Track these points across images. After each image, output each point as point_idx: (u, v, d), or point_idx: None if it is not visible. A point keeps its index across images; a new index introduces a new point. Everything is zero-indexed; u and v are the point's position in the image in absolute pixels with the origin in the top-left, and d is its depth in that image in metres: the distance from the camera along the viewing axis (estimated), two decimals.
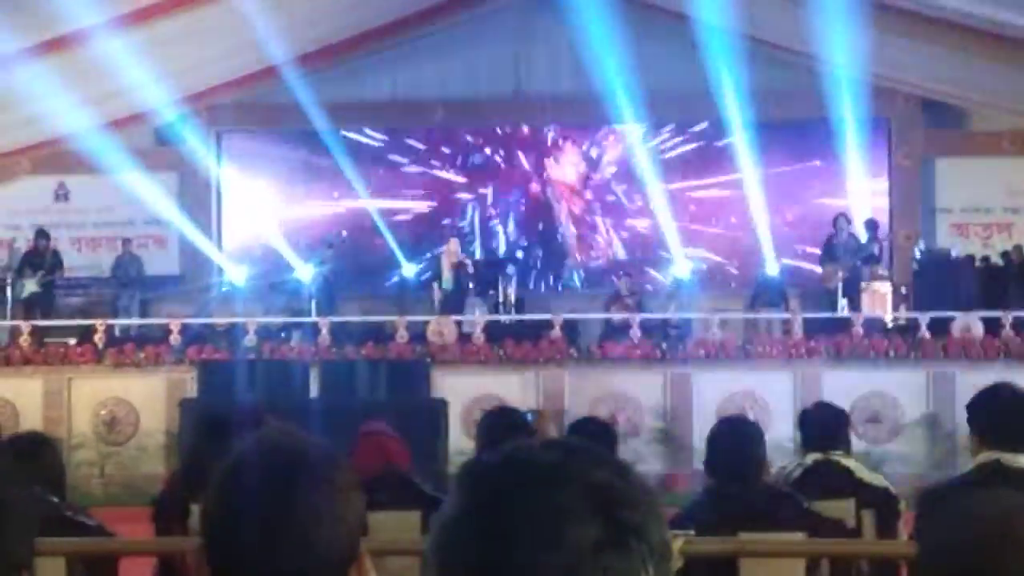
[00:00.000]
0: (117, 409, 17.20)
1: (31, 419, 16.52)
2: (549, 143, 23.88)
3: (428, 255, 22.61)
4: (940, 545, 2.13)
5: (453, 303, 19.46)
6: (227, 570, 1.91)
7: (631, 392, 16.83)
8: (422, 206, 23.72)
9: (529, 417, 6.60)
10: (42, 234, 20.52)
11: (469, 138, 23.82)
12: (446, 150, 23.83)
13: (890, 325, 18.50)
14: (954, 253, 20.22)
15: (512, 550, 1.39)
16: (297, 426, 2.05)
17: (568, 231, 23.65)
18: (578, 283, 23.43)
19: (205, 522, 1.95)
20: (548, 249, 23.58)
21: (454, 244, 19.87)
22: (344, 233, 21.28)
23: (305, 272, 20.28)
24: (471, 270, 19.77)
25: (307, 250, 21.25)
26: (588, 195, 23.73)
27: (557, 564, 1.38)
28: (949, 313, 17.28)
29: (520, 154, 23.80)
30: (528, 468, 1.45)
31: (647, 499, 1.46)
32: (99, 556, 5.47)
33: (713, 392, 16.61)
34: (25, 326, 18.11)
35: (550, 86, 22.47)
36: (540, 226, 23.67)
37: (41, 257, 20.19)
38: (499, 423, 6.04)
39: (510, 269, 21.10)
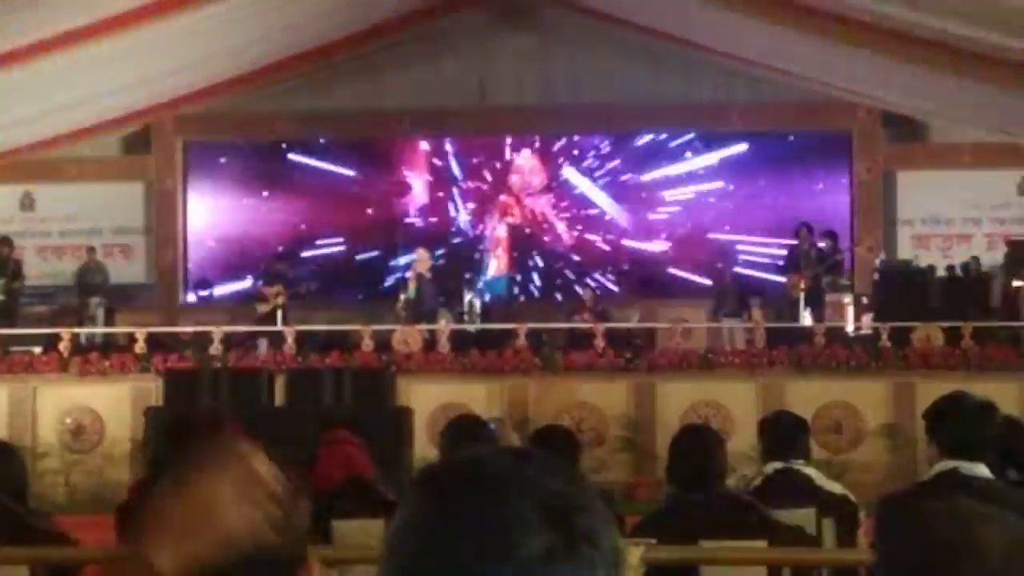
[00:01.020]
0: (82, 417, 17.15)
1: None
2: (513, 153, 23.92)
3: (391, 265, 22.66)
4: (897, 553, 2.14)
5: (416, 312, 19.43)
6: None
7: (595, 401, 16.88)
8: (391, 215, 23.73)
9: (491, 426, 6.64)
10: (4, 241, 20.30)
11: (437, 147, 23.84)
12: (413, 160, 23.86)
13: (852, 335, 18.62)
14: (915, 264, 20.37)
15: (464, 559, 1.39)
16: (262, 435, 2.08)
17: (533, 241, 23.69)
18: (541, 292, 23.45)
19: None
20: (512, 257, 23.62)
21: (423, 254, 19.88)
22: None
23: (267, 286, 20.16)
24: (429, 278, 19.74)
25: (265, 265, 21.15)
26: (550, 205, 23.76)
27: (510, 572, 1.38)
28: (910, 323, 17.40)
29: (486, 164, 23.83)
30: (479, 476, 1.45)
31: (597, 505, 1.46)
32: (62, 564, 5.49)
33: (677, 401, 16.68)
34: None
35: (515, 97, 22.54)
36: (506, 235, 23.70)
37: (2, 265, 20.02)
38: (461, 431, 6.09)
39: (476, 279, 21.16)
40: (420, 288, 19.34)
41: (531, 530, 1.40)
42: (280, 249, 21.85)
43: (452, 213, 23.78)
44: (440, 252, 22.91)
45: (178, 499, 1.96)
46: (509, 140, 23.79)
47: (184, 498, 1.97)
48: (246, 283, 22.43)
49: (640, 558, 4.53)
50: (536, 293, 23.41)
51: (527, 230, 23.71)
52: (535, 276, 23.58)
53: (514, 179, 23.81)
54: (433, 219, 23.72)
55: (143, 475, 12.51)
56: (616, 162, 23.39)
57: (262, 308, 19.75)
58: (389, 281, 22.77)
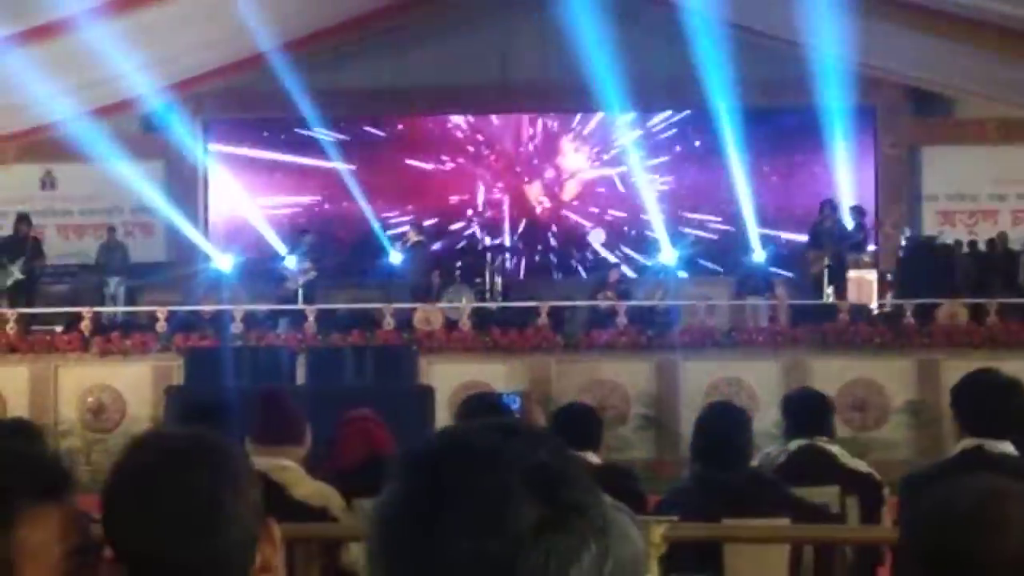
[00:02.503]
0: (104, 397, 17.19)
1: (18, 407, 16.51)
2: (536, 130, 23.87)
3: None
4: (921, 529, 2.13)
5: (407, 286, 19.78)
6: (132, 561, 1.92)
7: (618, 379, 16.85)
8: (415, 193, 23.71)
9: (515, 402, 6.59)
10: (23, 219, 20.29)
11: (457, 125, 23.82)
12: (431, 138, 23.83)
13: (876, 312, 18.54)
14: (940, 241, 20.26)
15: (453, 536, 1.38)
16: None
17: (556, 218, 23.65)
18: (564, 270, 23.42)
19: (103, 515, 1.95)
20: (535, 236, 23.58)
21: (411, 233, 20.11)
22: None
23: (291, 262, 20.23)
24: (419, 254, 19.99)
25: (288, 241, 21.27)
26: (575, 182, 23.71)
27: (499, 548, 1.37)
28: (934, 300, 17.31)
29: (507, 141, 23.79)
30: (465, 452, 1.43)
31: (584, 477, 1.44)
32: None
33: (699, 379, 16.64)
34: (11, 314, 18.08)
35: (536, 73, 22.44)
36: (527, 214, 23.66)
37: (21, 243, 20.02)
38: (480, 408, 6.03)
39: (498, 257, 21.15)
40: (410, 264, 19.53)
41: (520, 504, 1.39)
42: (305, 223, 21.78)
43: (474, 191, 23.72)
44: (460, 231, 22.95)
45: None
46: (531, 117, 23.73)
47: None
48: (266, 261, 22.41)
49: (662, 535, 4.48)
50: (557, 272, 23.36)
51: (549, 208, 23.64)
52: (557, 255, 23.53)
53: (536, 156, 23.76)
54: (455, 197, 23.67)
55: None
56: (639, 139, 23.31)
57: (290, 286, 19.77)
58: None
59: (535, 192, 23.76)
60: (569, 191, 23.77)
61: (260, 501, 1.99)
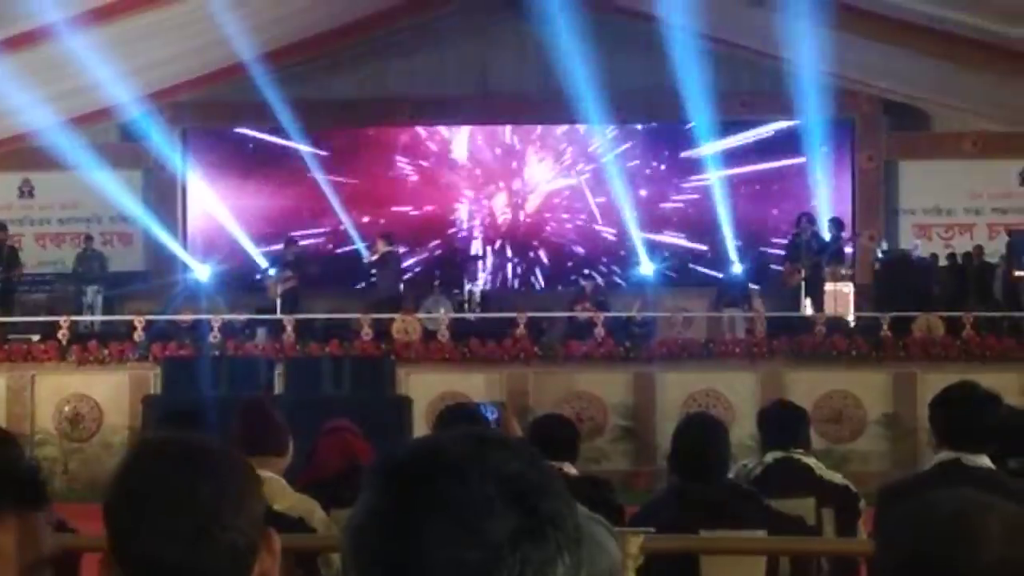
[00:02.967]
0: (81, 406, 17.14)
1: None
2: (514, 141, 23.90)
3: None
4: (897, 543, 2.13)
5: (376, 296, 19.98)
6: (136, 565, 1.93)
7: (595, 391, 16.87)
8: (392, 204, 23.70)
9: (491, 414, 6.59)
10: (0, 228, 20.21)
11: (434, 136, 23.83)
12: (412, 148, 23.83)
13: (852, 325, 18.59)
14: (916, 254, 20.33)
15: (428, 546, 1.37)
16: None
17: (535, 229, 23.66)
18: (543, 282, 23.43)
19: (106, 518, 1.96)
20: (513, 247, 23.59)
21: (380, 244, 20.14)
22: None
23: (272, 280, 20.25)
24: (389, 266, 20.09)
25: (269, 256, 21.24)
26: (548, 194, 23.73)
27: (475, 558, 1.36)
28: (911, 313, 17.37)
29: (486, 152, 23.80)
30: (441, 461, 1.42)
31: (559, 487, 1.44)
32: (60, 553, 5.44)
33: (677, 391, 16.66)
34: None
35: (515, 85, 22.48)
36: (506, 225, 23.67)
37: None
38: (457, 418, 6.03)
39: (477, 268, 21.17)
40: (378, 274, 19.56)
41: (495, 514, 1.38)
42: (291, 235, 21.73)
43: (452, 202, 23.74)
44: (438, 242, 22.99)
45: None
46: (510, 128, 23.76)
47: None
48: (244, 270, 22.40)
49: (639, 547, 4.49)
50: (537, 283, 23.37)
51: (529, 219, 23.67)
52: (536, 266, 23.54)
53: (514, 167, 23.78)
54: (433, 207, 23.68)
55: None
56: (618, 151, 23.35)
57: (272, 295, 19.77)
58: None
59: (514, 203, 23.76)
60: (542, 202, 23.76)
61: (262, 510, 2.00)
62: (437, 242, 23.55)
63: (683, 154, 23.17)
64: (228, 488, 1.94)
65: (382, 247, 20.25)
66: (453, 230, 23.68)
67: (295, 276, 20.00)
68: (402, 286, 20.38)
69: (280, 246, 21.15)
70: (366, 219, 23.30)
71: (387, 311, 18.50)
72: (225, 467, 1.97)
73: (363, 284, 22.12)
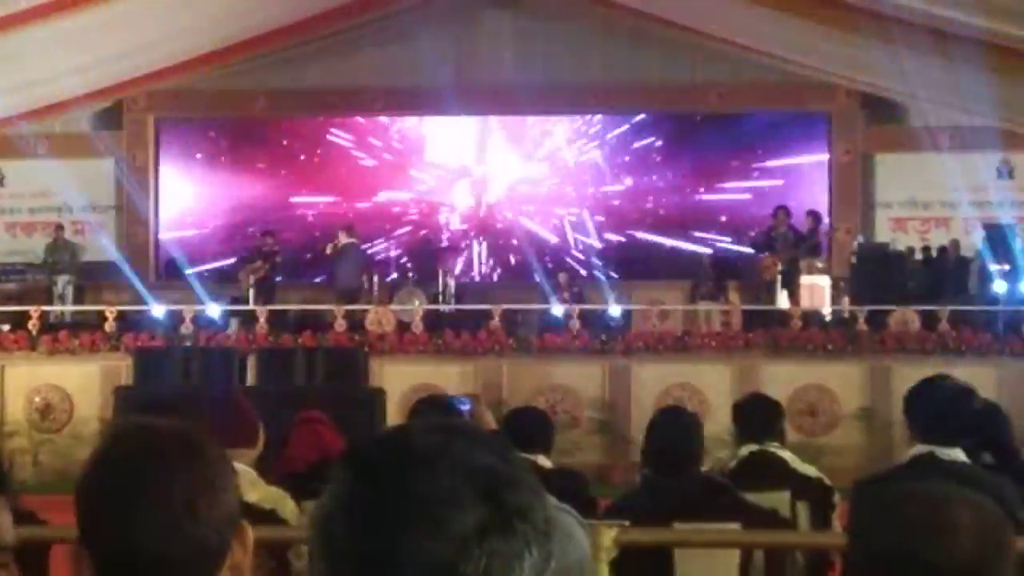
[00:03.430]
0: (51, 396, 17.04)
1: None
2: (487, 132, 23.87)
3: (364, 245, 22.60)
4: (872, 536, 2.13)
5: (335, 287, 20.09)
6: (106, 554, 1.88)
7: (570, 383, 16.83)
8: (366, 196, 23.65)
9: (465, 405, 6.54)
10: None
11: (407, 126, 23.80)
12: (384, 138, 23.78)
13: (828, 318, 18.60)
14: (892, 247, 20.36)
15: (395, 537, 1.38)
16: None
17: (509, 221, 23.64)
18: (516, 273, 23.41)
19: (80, 505, 1.92)
20: (489, 240, 23.56)
21: (341, 235, 20.17)
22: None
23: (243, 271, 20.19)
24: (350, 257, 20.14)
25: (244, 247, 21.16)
26: (530, 184, 23.71)
27: (443, 550, 1.37)
28: (887, 307, 17.38)
29: (460, 142, 23.77)
30: (408, 453, 1.43)
31: (529, 480, 1.45)
32: (30, 544, 5.40)
33: (652, 384, 16.64)
34: None
35: (491, 76, 22.41)
36: (481, 216, 23.64)
37: None
38: (430, 410, 5.98)
39: (451, 259, 21.14)
40: (338, 265, 19.76)
41: (463, 506, 1.39)
42: (265, 226, 21.59)
43: (428, 192, 23.71)
44: (410, 232, 23.00)
45: None
46: (485, 119, 23.72)
47: None
48: (217, 262, 22.33)
49: (613, 540, 4.45)
50: (512, 275, 23.34)
51: (503, 211, 23.64)
52: (511, 257, 23.51)
53: (491, 159, 23.75)
54: (407, 198, 23.65)
55: None
56: (595, 143, 23.35)
57: (245, 285, 19.72)
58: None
59: (488, 193, 23.73)
60: (523, 193, 23.75)
61: (237, 502, 1.97)
62: (408, 231, 23.51)
63: (659, 146, 23.16)
64: (203, 479, 1.91)
65: (343, 239, 20.22)
66: (429, 221, 23.62)
67: (266, 266, 19.93)
68: (364, 278, 20.28)
69: (251, 236, 21.07)
70: (339, 209, 23.25)
71: (346, 303, 18.47)
72: (201, 457, 1.94)
73: (323, 277, 21.90)
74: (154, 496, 1.87)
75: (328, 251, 20.46)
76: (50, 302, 19.77)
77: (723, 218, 22.85)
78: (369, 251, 22.27)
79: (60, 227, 21.76)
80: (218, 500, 1.91)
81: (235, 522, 1.94)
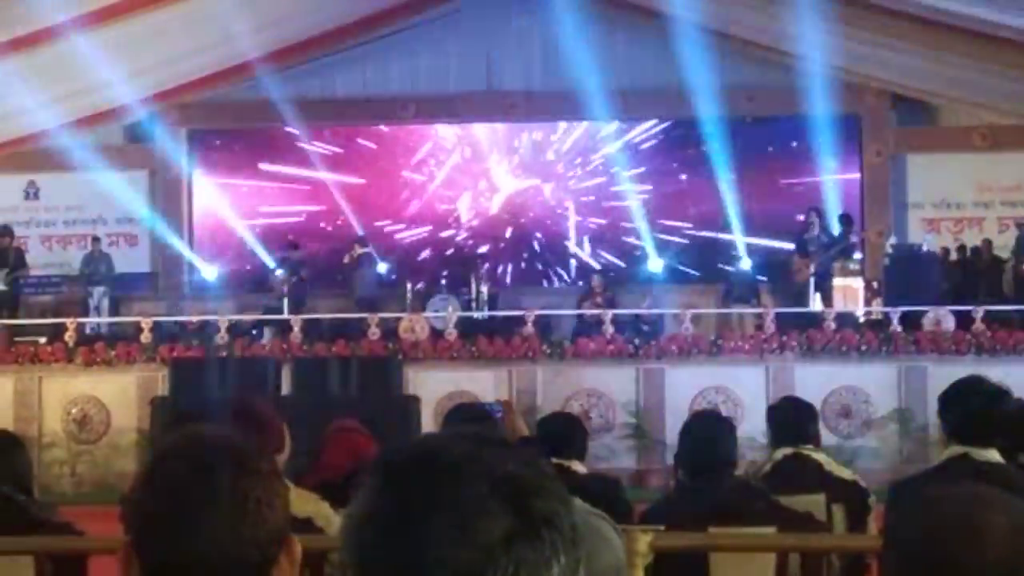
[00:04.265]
0: (88, 408, 17.13)
1: (1, 418, 16.39)
2: (521, 140, 23.87)
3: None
4: (906, 538, 2.12)
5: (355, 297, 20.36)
6: (156, 562, 1.91)
7: (603, 388, 16.83)
8: (398, 204, 23.68)
9: (496, 413, 6.57)
10: (5, 230, 20.27)
11: (440, 134, 23.83)
12: (417, 147, 23.82)
13: (862, 320, 18.54)
14: (925, 248, 20.27)
15: (424, 545, 1.39)
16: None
17: (541, 227, 23.63)
18: (551, 280, 23.41)
19: (132, 514, 1.95)
20: (521, 245, 23.56)
21: (356, 247, 20.42)
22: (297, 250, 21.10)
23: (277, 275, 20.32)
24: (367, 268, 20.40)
25: (276, 257, 21.24)
26: (561, 191, 23.71)
27: (470, 558, 1.38)
28: (920, 308, 17.31)
29: (493, 150, 23.78)
30: (437, 461, 1.44)
31: (556, 488, 1.45)
32: (68, 555, 5.43)
33: (685, 388, 16.63)
34: None
35: (522, 82, 22.44)
36: (512, 223, 23.63)
37: (5, 254, 19.98)
38: (465, 418, 6.01)
39: (482, 266, 21.16)
40: (356, 277, 20.11)
41: (490, 514, 1.40)
42: (290, 237, 21.65)
43: (457, 200, 23.72)
44: (445, 239, 23.05)
45: None
46: (515, 125, 23.71)
47: None
48: (251, 271, 22.42)
49: (648, 545, 4.46)
50: (542, 280, 23.35)
51: (535, 216, 23.64)
52: (542, 263, 23.51)
53: (522, 164, 23.76)
54: (441, 206, 23.68)
55: None
56: (623, 147, 23.32)
57: (279, 295, 19.83)
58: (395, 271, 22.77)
59: (519, 199, 23.72)
60: (553, 199, 23.74)
61: (286, 515, 1.99)
62: (446, 240, 23.55)
63: (689, 150, 23.12)
64: (255, 491, 1.93)
65: (358, 250, 20.48)
66: (463, 228, 23.64)
67: (296, 277, 20.05)
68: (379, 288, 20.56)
69: (285, 246, 21.15)
70: (375, 217, 23.33)
71: (367, 312, 18.65)
72: (252, 472, 1.95)
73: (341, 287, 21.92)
74: (206, 506, 1.89)
75: (345, 260, 20.68)
76: (86, 314, 19.86)
77: (754, 221, 22.76)
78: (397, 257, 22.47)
79: (96, 239, 21.84)
80: (265, 516, 1.92)
81: (283, 537, 1.96)
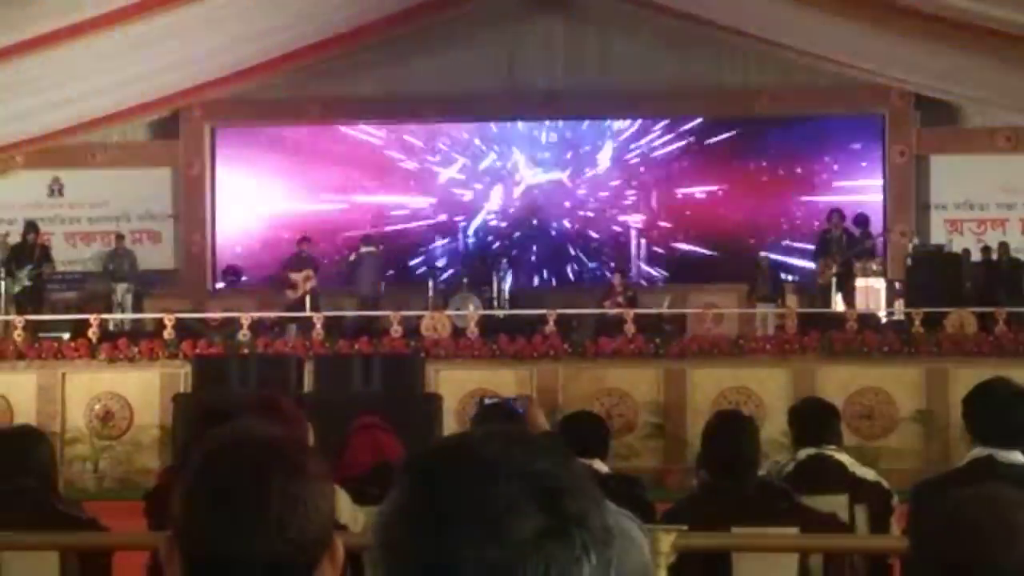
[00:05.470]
0: (111, 404, 17.18)
1: (25, 414, 16.49)
2: (543, 139, 23.87)
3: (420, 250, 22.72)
4: (930, 539, 2.13)
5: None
6: (202, 558, 1.92)
7: (626, 387, 16.82)
8: (420, 202, 23.70)
9: (519, 407, 6.59)
10: (31, 227, 20.39)
11: (464, 134, 23.83)
12: (442, 145, 23.83)
13: (884, 321, 18.51)
14: (948, 249, 20.23)
15: (454, 544, 1.40)
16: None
17: (562, 226, 23.62)
18: (572, 278, 23.40)
19: (180, 510, 1.95)
20: (542, 244, 23.55)
21: (360, 246, 20.51)
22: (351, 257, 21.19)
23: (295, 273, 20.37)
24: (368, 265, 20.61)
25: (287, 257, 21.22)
26: (581, 190, 23.69)
27: (500, 556, 1.39)
28: (943, 309, 17.28)
29: (515, 149, 23.78)
30: (467, 460, 1.44)
31: (587, 487, 1.46)
32: (92, 550, 5.46)
33: (707, 387, 16.62)
34: (19, 321, 18.10)
35: (544, 82, 22.43)
36: (534, 221, 23.62)
37: (30, 251, 20.08)
38: (495, 416, 6.03)
39: (504, 264, 21.16)
40: (355, 272, 20.31)
41: (521, 513, 1.40)
42: (303, 234, 21.65)
43: (479, 198, 23.74)
44: (466, 237, 23.06)
45: None
46: (536, 124, 23.71)
47: None
48: (273, 269, 22.45)
49: (671, 545, 4.47)
50: (565, 279, 23.34)
51: (554, 215, 23.64)
52: (563, 262, 23.51)
53: (542, 163, 23.76)
54: (463, 202, 23.69)
55: (172, 461, 12.52)
56: (645, 147, 23.31)
57: (292, 294, 19.81)
58: (420, 268, 22.82)
59: (538, 198, 23.71)
60: (573, 197, 23.72)
61: (332, 517, 2.00)
62: (458, 236, 23.57)
63: (710, 150, 23.09)
64: (302, 492, 1.93)
65: (361, 248, 20.53)
66: (484, 225, 23.66)
67: (314, 275, 20.07)
68: (381, 285, 20.62)
69: (297, 241, 21.13)
70: (391, 217, 23.38)
71: (367, 309, 18.70)
72: (305, 472, 1.95)
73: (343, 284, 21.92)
74: (252, 511, 1.89)
75: (351, 258, 20.76)
76: (109, 310, 19.94)
77: (777, 221, 22.74)
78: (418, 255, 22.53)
79: (120, 236, 21.90)
80: (315, 513, 1.93)
81: (327, 539, 1.96)
